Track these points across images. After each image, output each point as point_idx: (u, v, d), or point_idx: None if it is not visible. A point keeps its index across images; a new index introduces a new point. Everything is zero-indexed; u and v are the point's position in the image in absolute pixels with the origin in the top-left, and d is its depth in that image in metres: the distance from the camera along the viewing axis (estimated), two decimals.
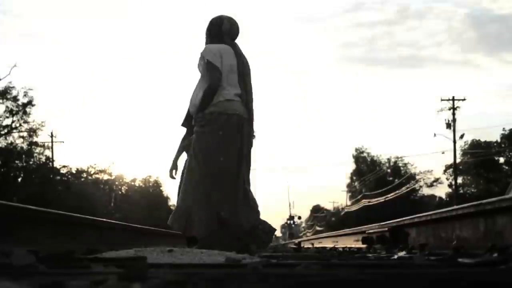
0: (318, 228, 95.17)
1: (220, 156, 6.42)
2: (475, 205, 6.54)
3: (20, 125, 49.05)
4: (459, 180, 61.50)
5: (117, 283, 1.97)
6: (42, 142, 51.94)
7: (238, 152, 6.50)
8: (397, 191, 62.17)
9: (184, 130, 7.01)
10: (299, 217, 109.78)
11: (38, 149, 51.84)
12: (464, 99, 49.94)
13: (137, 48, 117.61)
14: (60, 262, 3.02)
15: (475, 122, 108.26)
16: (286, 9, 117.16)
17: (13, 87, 47.76)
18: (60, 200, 46.14)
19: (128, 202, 65.55)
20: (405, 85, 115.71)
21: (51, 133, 52.48)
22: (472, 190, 65.76)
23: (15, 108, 48.20)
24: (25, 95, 48.21)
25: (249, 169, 6.70)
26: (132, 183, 74.96)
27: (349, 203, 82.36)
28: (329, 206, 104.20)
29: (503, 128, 64.49)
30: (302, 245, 23.22)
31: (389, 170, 77.52)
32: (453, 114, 49.23)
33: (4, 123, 48.37)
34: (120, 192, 69.92)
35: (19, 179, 50.72)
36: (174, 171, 7.10)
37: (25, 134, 49.66)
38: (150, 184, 77.50)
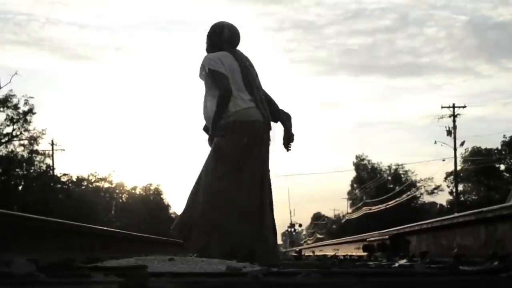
0: (319, 236, 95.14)
1: (244, 167, 6.16)
2: (476, 213, 6.54)
3: (21, 133, 49.12)
4: (460, 187, 61.49)
5: None
6: (43, 150, 52.03)
7: (263, 163, 6.30)
8: (397, 199, 62.15)
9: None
10: (300, 225, 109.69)
11: (38, 157, 51.90)
12: (465, 106, 50.01)
13: (137, 54, 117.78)
14: (60, 271, 3.02)
15: (476, 129, 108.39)
16: (286, 17, 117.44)
17: (14, 95, 47.86)
18: (61, 208, 46.14)
19: (128, 210, 65.52)
20: (405, 92, 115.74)
21: (52, 141, 52.58)
22: (473, 197, 65.73)
23: (15, 116, 48.26)
24: (25, 103, 48.30)
25: (270, 182, 6.45)
26: (133, 191, 74.97)
27: (350, 210, 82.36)
28: (330, 213, 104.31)
29: (504, 135, 64.56)
30: (303, 253, 23.19)
31: (389, 178, 77.53)
32: (454, 121, 49.27)
33: (5, 131, 48.45)
34: (120, 200, 69.91)
35: (20, 187, 50.72)
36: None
37: (25, 142, 49.72)
38: (151, 192, 77.50)
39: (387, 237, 10.94)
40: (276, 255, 6.52)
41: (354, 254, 14.47)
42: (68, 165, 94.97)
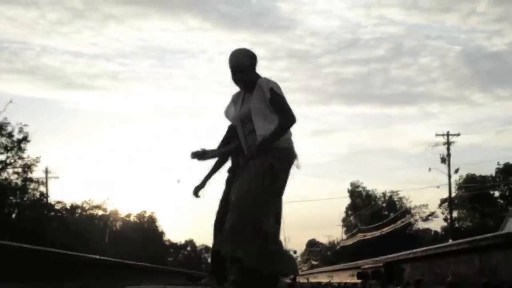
0: (313, 263, 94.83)
1: (282, 195, 6.19)
2: (470, 241, 6.55)
3: (15, 161, 48.94)
4: (454, 214, 61.51)
5: None
6: (37, 178, 51.85)
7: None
8: (392, 225, 62.08)
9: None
10: (295, 251, 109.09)
11: (32, 185, 51.68)
12: (459, 134, 50.25)
13: (131, 82, 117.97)
14: None
15: (470, 156, 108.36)
16: (280, 46, 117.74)
17: (8, 123, 47.77)
18: (55, 236, 45.93)
19: (122, 238, 65.27)
20: (400, 120, 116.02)
21: (46, 168, 52.48)
22: (468, 224, 65.70)
23: (10, 144, 48.16)
24: (20, 131, 48.22)
25: None
26: (127, 219, 74.74)
27: (344, 237, 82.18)
28: (324, 240, 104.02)
29: (498, 163, 64.81)
30: (297, 280, 23.09)
31: (384, 205, 77.52)
32: (448, 149, 49.42)
33: None
34: (114, 228, 69.65)
35: (13, 215, 50.49)
36: (202, 190, 7.12)
37: (19, 170, 49.54)
38: (145, 219, 77.29)
39: (381, 264, 10.92)
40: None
41: (348, 281, 14.43)
42: (62, 193, 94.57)
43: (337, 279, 16.95)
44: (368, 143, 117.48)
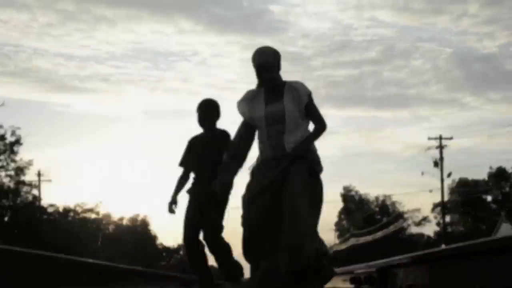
0: None
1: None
2: (463, 246, 6.54)
3: (7, 164, 48.88)
4: (447, 218, 61.61)
5: None
6: (29, 181, 51.80)
7: None
8: (385, 230, 62.16)
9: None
10: None
11: (25, 188, 51.64)
12: (451, 138, 50.34)
13: (123, 85, 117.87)
14: None
15: (463, 160, 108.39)
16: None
17: (1, 126, 47.71)
18: (47, 239, 45.83)
19: (115, 241, 65.21)
20: (392, 123, 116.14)
21: (39, 171, 52.42)
22: (460, 229, 65.84)
23: (2, 147, 48.09)
24: (12, 134, 48.17)
25: None
26: (120, 222, 74.69)
27: (337, 241, 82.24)
28: None
29: (490, 167, 64.91)
30: None
31: (377, 209, 77.61)
32: (441, 152, 49.51)
33: None
34: (107, 231, 69.59)
35: (6, 218, 50.39)
36: (174, 205, 7.10)
37: (12, 173, 49.49)
38: (138, 223, 77.24)
39: (374, 269, 10.91)
40: None
41: (341, 286, 14.43)
42: (55, 196, 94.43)
43: (329, 284, 16.93)
44: (360, 146, 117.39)
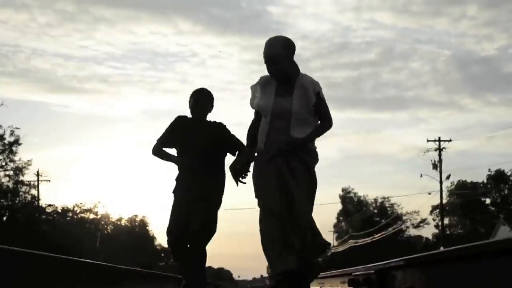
0: None
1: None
2: (462, 248, 6.54)
3: (6, 163, 48.90)
4: (446, 221, 61.60)
5: None
6: (28, 181, 51.81)
7: None
8: (383, 232, 62.12)
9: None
10: None
11: (24, 188, 51.64)
12: (450, 140, 50.29)
13: (122, 85, 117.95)
14: None
15: (461, 163, 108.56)
16: None
17: (0, 126, 47.71)
18: (46, 239, 45.81)
19: (113, 242, 65.15)
20: (390, 125, 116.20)
21: (37, 171, 52.41)
22: (459, 231, 65.84)
23: (1, 147, 48.10)
24: (11, 134, 48.15)
25: None
26: (118, 223, 74.64)
27: (336, 243, 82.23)
28: None
29: (489, 169, 64.88)
30: None
31: (375, 211, 77.58)
32: (439, 155, 49.47)
33: None
34: (105, 231, 69.52)
35: (4, 218, 50.38)
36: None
37: (11, 173, 49.49)
38: (136, 223, 77.19)
39: (372, 271, 10.90)
40: None
41: None
42: (54, 196, 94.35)
43: (327, 286, 16.92)
44: (359, 148, 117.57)
